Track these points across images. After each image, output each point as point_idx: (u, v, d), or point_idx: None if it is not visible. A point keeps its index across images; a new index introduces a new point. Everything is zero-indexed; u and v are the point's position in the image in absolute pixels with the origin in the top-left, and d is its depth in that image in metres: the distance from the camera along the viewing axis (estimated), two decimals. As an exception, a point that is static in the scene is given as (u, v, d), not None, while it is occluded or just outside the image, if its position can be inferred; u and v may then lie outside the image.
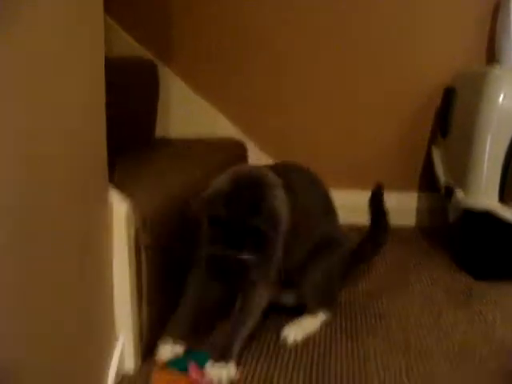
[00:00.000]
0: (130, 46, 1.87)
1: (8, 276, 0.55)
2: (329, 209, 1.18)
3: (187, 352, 0.96)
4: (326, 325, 1.11)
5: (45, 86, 0.64)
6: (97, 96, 0.85)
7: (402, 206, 1.84)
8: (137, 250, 0.92)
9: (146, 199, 0.99)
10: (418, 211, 1.86)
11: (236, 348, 0.95)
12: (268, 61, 1.86)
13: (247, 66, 1.86)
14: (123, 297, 0.91)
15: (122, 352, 0.93)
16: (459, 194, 1.35)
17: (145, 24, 1.88)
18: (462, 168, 1.36)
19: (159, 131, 1.87)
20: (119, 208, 0.89)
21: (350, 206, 1.67)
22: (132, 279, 0.91)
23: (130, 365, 0.94)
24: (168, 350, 0.95)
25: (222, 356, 0.92)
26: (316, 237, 1.12)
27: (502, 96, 1.27)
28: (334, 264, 1.14)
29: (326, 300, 1.13)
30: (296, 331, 1.06)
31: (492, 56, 1.66)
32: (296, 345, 1.04)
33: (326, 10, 1.80)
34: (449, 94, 1.57)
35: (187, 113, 1.91)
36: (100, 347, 0.87)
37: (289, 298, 1.13)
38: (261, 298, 1.01)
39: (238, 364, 0.93)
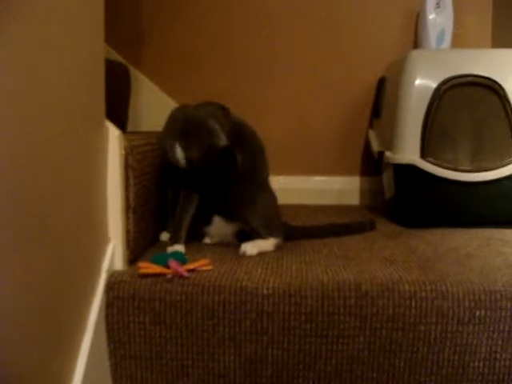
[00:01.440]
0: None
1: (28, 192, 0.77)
2: (265, 161, 1.41)
3: (167, 254, 1.17)
4: (277, 248, 1.33)
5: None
6: (96, 46, 1.09)
7: (347, 189, 2.11)
8: (126, 169, 1.14)
9: (131, 136, 1.22)
10: (361, 192, 2.12)
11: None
12: (225, 65, 2.13)
13: (208, 67, 2.13)
14: (114, 206, 1.12)
15: (113, 253, 1.13)
16: (388, 154, 1.63)
17: (118, 32, 2.13)
18: (391, 135, 1.64)
19: (130, 127, 2.10)
20: (114, 131, 1.11)
21: (299, 190, 1.94)
22: (122, 192, 1.13)
23: (119, 265, 1.14)
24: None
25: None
26: (256, 178, 1.36)
27: (418, 71, 1.56)
28: (275, 202, 1.38)
29: (274, 228, 1.33)
30: (252, 247, 1.27)
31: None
32: (254, 256, 1.26)
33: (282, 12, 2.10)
34: (380, 83, 1.87)
35: (155, 109, 2.14)
36: (97, 244, 1.07)
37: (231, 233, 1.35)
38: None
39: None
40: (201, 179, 1.25)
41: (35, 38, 0.79)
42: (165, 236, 1.37)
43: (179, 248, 1.24)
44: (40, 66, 0.80)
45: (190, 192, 1.29)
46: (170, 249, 1.23)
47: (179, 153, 1.24)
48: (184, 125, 1.27)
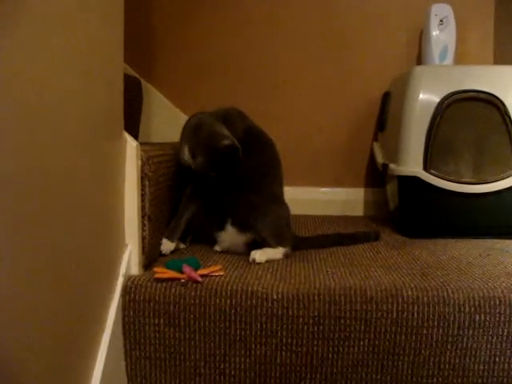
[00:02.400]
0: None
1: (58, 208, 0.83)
2: (280, 172, 1.46)
3: (181, 260, 1.22)
4: (285, 256, 1.38)
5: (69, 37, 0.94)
6: (117, 58, 1.15)
7: (352, 200, 2.16)
8: (142, 178, 1.20)
9: (146, 147, 1.28)
10: (365, 203, 2.17)
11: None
12: (233, 78, 2.19)
13: (217, 81, 2.19)
14: (131, 214, 1.18)
15: (129, 258, 1.18)
16: (392, 166, 1.68)
17: (130, 46, 2.19)
18: (395, 148, 1.69)
19: (142, 137, 2.16)
20: (132, 142, 1.17)
21: (305, 201, 1.99)
22: (138, 200, 1.18)
23: (134, 270, 1.19)
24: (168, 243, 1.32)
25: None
26: (268, 189, 1.41)
27: (421, 86, 1.62)
28: (286, 213, 1.43)
29: (284, 238, 1.38)
30: (261, 255, 1.32)
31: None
32: (263, 263, 1.31)
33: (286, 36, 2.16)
34: (385, 98, 1.93)
35: (166, 121, 2.21)
36: (114, 250, 1.13)
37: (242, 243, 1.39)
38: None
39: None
40: (208, 180, 1.33)
41: (57, 44, 0.85)
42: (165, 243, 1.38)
43: (168, 245, 1.34)
44: (60, 78, 0.86)
45: (193, 193, 1.39)
46: (164, 241, 1.34)
47: (187, 155, 1.35)
48: (194, 129, 1.36)
